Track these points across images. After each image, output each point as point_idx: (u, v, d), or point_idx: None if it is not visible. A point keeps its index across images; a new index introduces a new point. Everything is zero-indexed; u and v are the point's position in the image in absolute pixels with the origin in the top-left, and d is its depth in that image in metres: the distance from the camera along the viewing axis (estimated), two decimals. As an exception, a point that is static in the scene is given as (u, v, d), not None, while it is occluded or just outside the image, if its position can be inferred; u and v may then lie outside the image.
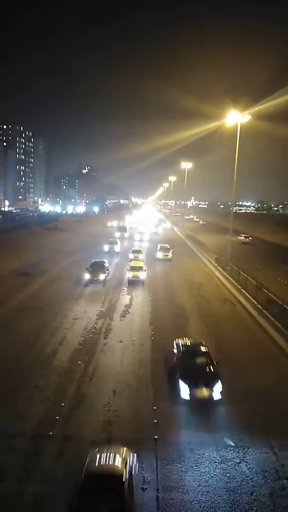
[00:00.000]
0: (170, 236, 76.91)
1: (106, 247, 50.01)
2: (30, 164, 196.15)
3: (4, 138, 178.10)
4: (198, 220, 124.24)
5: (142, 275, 32.03)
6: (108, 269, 33.90)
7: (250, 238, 70.84)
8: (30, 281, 32.18)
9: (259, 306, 25.42)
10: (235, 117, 37.11)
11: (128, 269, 33.55)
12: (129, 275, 32.37)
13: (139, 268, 32.96)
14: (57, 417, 12.92)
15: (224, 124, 39.03)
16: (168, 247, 48.54)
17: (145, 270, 33.29)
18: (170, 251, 46.62)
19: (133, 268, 32.94)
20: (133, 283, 31.60)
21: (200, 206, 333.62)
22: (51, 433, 12.11)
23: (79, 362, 17.14)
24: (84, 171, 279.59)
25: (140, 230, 73.61)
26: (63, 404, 13.76)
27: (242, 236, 69.08)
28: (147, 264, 39.87)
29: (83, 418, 13.00)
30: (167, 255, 45.60)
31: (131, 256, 42.22)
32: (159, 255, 45.86)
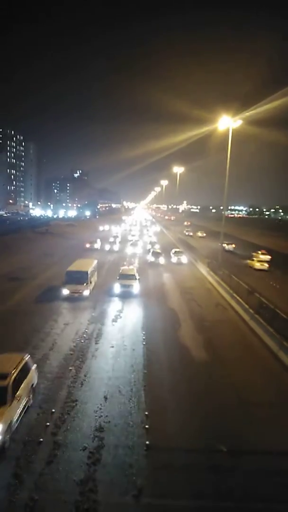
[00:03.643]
0: (161, 238, 75.21)
1: None
2: (21, 168, 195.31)
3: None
4: (170, 217, 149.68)
5: None
6: None
7: (234, 245, 64.15)
8: (20, 286, 31.86)
9: (251, 310, 25.43)
10: (227, 122, 37.42)
11: None
12: None
13: None
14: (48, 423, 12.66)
15: (216, 128, 39.28)
16: None
17: None
18: None
19: None
20: None
21: (192, 210, 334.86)
22: (41, 439, 11.88)
23: (70, 368, 16.96)
24: (75, 175, 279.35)
25: (125, 273, 32.32)
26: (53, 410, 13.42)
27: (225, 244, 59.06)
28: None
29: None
30: None
31: None
32: None
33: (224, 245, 56.43)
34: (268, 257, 47.45)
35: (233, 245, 63.61)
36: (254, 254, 49.80)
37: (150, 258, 46.66)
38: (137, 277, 31.88)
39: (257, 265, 43.68)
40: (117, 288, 30.03)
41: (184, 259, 47.66)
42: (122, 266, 38.40)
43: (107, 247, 58.45)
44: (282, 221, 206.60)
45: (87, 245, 57.45)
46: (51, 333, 21.21)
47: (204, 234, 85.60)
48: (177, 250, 51.59)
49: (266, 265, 44.43)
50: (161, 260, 45.92)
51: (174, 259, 47.51)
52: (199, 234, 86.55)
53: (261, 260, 45.43)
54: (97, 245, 57.65)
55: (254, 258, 45.80)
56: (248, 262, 44.66)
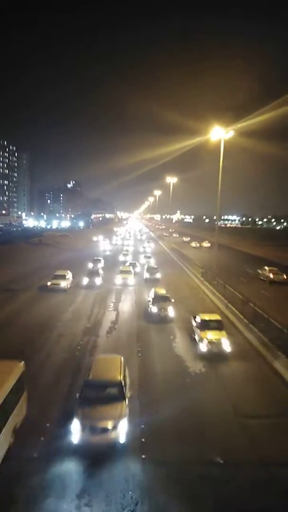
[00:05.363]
0: (156, 250, 75.75)
1: None
2: (14, 179, 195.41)
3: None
4: (160, 226, 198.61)
5: None
6: None
7: (189, 238, 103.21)
8: (13, 297, 31.63)
9: (245, 320, 25.42)
10: (219, 133, 37.84)
11: None
12: None
13: None
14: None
15: (208, 139, 39.71)
16: None
17: None
18: None
19: None
20: None
21: (185, 220, 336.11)
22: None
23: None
24: (69, 186, 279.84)
25: (98, 377, 13.50)
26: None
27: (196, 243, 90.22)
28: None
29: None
30: None
31: None
32: None
33: (183, 238, 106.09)
34: (208, 244, 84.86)
35: (189, 238, 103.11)
36: (200, 242, 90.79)
37: (153, 308, 26.88)
38: (125, 390, 13.32)
39: (192, 245, 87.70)
40: (76, 431, 11.79)
41: (225, 343, 20.17)
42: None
43: (84, 280, 36.97)
44: (279, 231, 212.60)
45: (49, 284, 34.33)
46: None
47: (177, 235, 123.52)
48: (208, 318, 22.15)
49: (198, 244, 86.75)
50: (170, 311, 26.59)
51: (203, 345, 20.21)
52: (174, 235, 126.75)
53: (196, 243, 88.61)
54: (66, 282, 34.76)
55: (192, 242, 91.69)
56: (190, 244, 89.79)
